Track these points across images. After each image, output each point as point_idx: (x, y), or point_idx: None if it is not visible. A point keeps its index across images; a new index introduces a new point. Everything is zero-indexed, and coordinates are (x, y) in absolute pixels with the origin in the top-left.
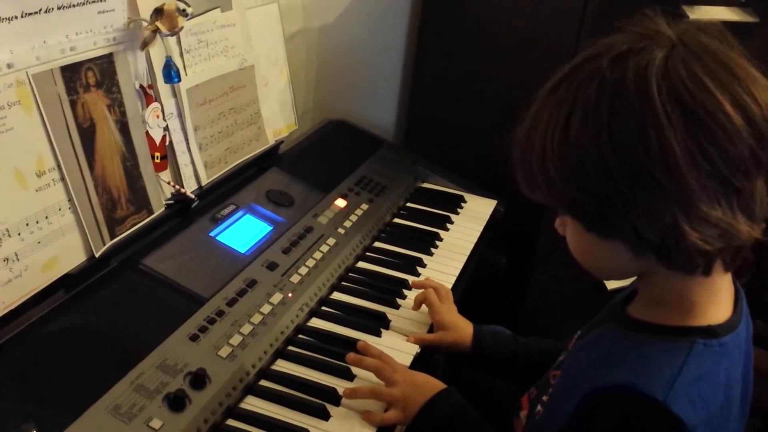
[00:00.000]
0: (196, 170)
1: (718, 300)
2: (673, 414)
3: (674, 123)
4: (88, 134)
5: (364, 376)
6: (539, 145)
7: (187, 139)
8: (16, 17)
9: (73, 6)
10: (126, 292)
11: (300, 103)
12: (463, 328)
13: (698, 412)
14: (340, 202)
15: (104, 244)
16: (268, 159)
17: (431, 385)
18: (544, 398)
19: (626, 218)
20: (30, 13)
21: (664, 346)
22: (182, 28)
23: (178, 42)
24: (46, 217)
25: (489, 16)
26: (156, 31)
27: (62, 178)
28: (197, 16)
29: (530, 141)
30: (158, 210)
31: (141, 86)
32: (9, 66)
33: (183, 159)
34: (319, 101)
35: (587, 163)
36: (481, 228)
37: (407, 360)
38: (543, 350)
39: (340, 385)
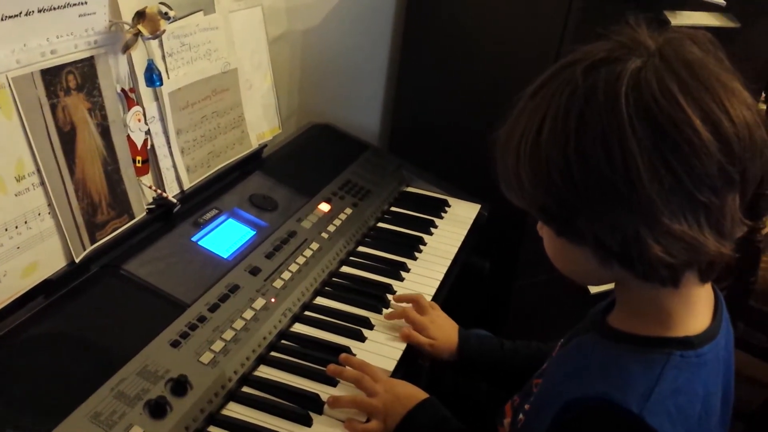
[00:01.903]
0: (178, 174)
1: (694, 310)
2: (649, 427)
3: (639, 136)
4: (68, 138)
5: (348, 382)
6: (514, 149)
7: (169, 143)
8: None
9: (54, 9)
10: (106, 298)
11: (284, 107)
12: (449, 336)
13: (675, 425)
14: (324, 207)
15: (84, 249)
16: (252, 163)
17: (412, 395)
18: (526, 406)
19: (588, 226)
20: (10, 16)
21: (641, 357)
22: (164, 31)
23: (161, 45)
24: (26, 222)
25: (473, 21)
26: (138, 34)
27: (42, 183)
28: (180, 19)
29: (507, 144)
30: (139, 215)
31: (122, 90)
32: None
33: (165, 163)
34: (303, 105)
35: (553, 170)
36: (465, 232)
37: (390, 365)
38: (529, 355)
39: (323, 391)
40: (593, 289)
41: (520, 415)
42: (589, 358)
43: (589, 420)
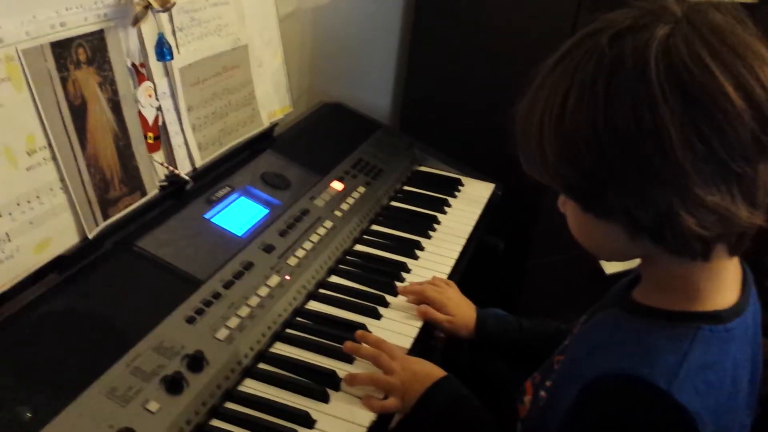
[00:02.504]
0: (189, 151)
1: (723, 284)
2: (678, 403)
3: (671, 104)
4: (79, 112)
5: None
6: (537, 123)
7: (180, 120)
8: None
9: None
10: (120, 275)
11: (294, 86)
12: (467, 314)
13: (704, 401)
14: (337, 185)
15: (97, 226)
16: (263, 141)
17: (430, 373)
18: (548, 383)
19: (619, 200)
20: None
21: (669, 332)
22: (174, 4)
23: (171, 20)
24: (38, 197)
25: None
26: (148, 6)
27: (53, 157)
28: None
29: (529, 118)
30: (152, 191)
31: (133, 64)
32: None
33: (176, 140)
34: (313, 84)
35: (581, 142)
36: (480, 211)
37: (407, 342)
38: (548, 334)
39: (339, 367)
40: (608, 269)
41: (542, 392)
42: (613, 333)
43: (614, 396)
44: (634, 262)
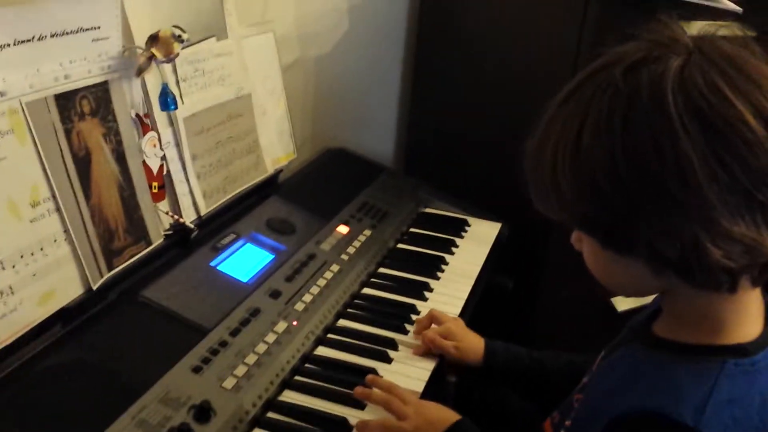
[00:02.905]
0: (194, 200)
1: (747, 316)
2: None
3: (692, 135)
4: (83, 163)
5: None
6: (550, 158)
7: (185, 169)
8: (8, 45)
9: (67, 33)
10: (125, 325)
11: (298, 134)
12: (474, 343)
13: None
14: (343, 229)
15: (102, 276)
16: (268, 188)
17: (444, 417)
18: (567, 423)
19: (643, 235)
20: (23, 41)
21: (693, 367)
22: (178, 54)
23: (174, 71)
24: (41, 249)
25: (485, 40)
26: (151, 57)
27: (57, 209)
28: (192, 44)
29: (541, 154)
30: (157, 241)
31: (137, 115)
32: (2, 94)
33: (181, 188)
34: (317, 131)
35: (600, 176)
36: (488, 251)
37: (419, 386)
38: (560, 365)
39: (351, 414)
40: (620, 306)
41: None
42: (635, 370)
43: None
44: (648, 298)
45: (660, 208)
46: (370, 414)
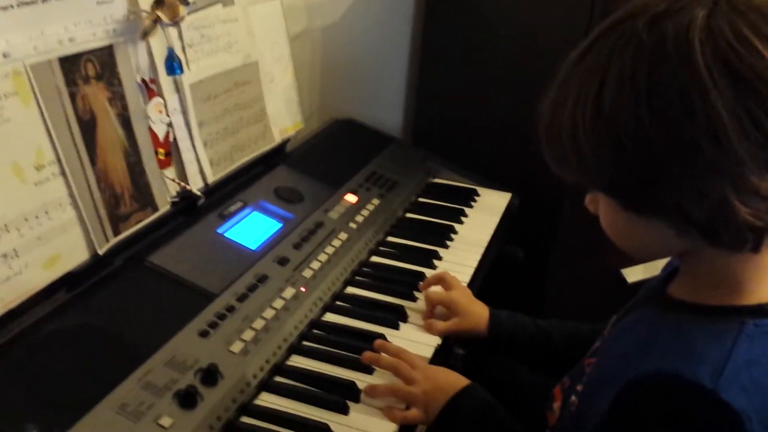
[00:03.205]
0: (201, 167)
1: (766, 277)
2: (724, 402)
3: (721, 88)
4: (88, 127)
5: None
6: (569, 119)
7: (191, 136)
8: (12, 6)
9: None
10: (132, 290)
11: (306, 105)
12: (479, 313)
13: (751, 400)
14: (351, 198)
15: (108, 242)
16: (275, 157)
17: (453, 382)
18: (579, 388)
19: (669, 195)
20: (26, 3)
21: (711, 328)
22: (183, 17)
23: (180, 36)
24: (46, 213)
25: (495, 8)
26: (157, 20)
27: (62, 172)
28: (198, 10)
29: (558, 115)
30: (163, 207)
31: (143, 80)
32: (5, 56)
33: (188, 156)
34: (324, 103)
35: (624, 136)
36: (497, 220)
37: (428, 352)
38: (566, 333)
39: (359, 378)
40: (630, 278)
41: (573, 397)
42: (651, 332)
43: (657, 398)
44: (657, 269)
45: (689, 166)
46: (378, 378)
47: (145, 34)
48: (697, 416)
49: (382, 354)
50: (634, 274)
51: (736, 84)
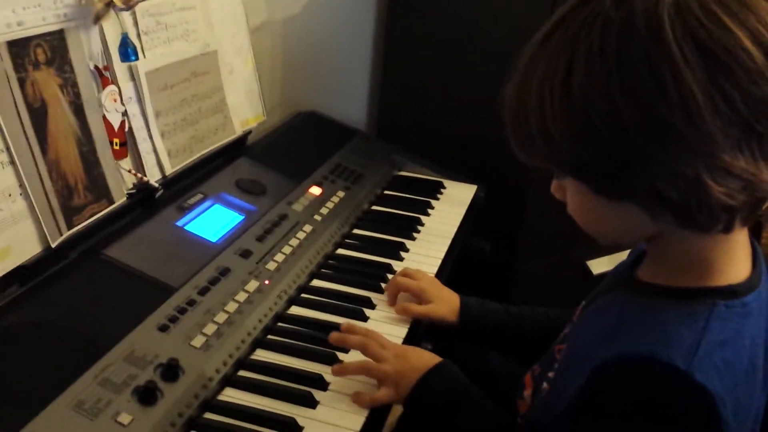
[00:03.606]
0: (159, 158)
1: (736, 258)
2: (698, 384)
3: (692, 64)
4: (39, 115)
5: (353, 359)
6: (535, 102)
7: (148, 126)
8: None
9: None
10: (87, 284)
11: (267, 99)
12: (449, 300)
13: (724, 380)
14: (315, 190)
15: (61, 234)
16: (237, 149)
17: (425, 359)
18: (550, 374)
19: (643, 177)
20: None
21: (682, 309)
22: (138, 2)
23: (135, 23)
24: None
25: (458, 0)
26: (110, 4)
27: (12, 161)
28: None
29: (523, 99)
30: (119, 199)
31: (96, 67)
32: None
33: (144, 146)
34: (287, 96)
35: (595, 117)
36: (464, 212)
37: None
38: (537, 319)
39: (327, 371)
40: (596, 269)
41: (544, 384)
42: (622, 315)
43: (630, 380)
44: (620, 258)
45: (663, 146)
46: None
47: (98, 19)
48: (671, 398)
49: (350, 334)
50: (599, 265)
51: (706, 60)
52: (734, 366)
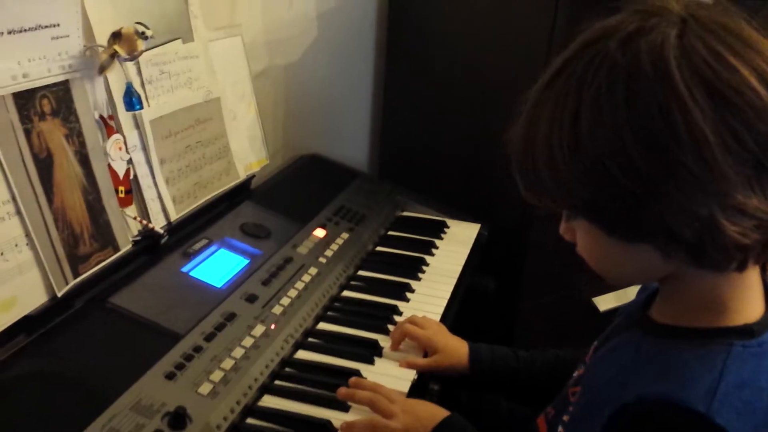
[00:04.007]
0: (164, 205)
1: (750, 296)
2: (718, 426)
3: (701, 104)
4: (45, 165)
5: (361, 406)
6: (543, 145)
7: (152, 173)
8: None
9: (25, 31)
10: (93, 333)
11: (270, 143)
12: (457, 349)
13: (744, 422)
14: (320, 232)
15: (67, 283)
16: (240, 194)
17: (433, 413)
18: (565, 418)
19: (656, 217)
20: None
21: (699, 351)
22: (142, 52)
23: (139, 72)
24: (2, 254)
25: (455, 43)
26: (114, 55)
27: (18, 212)
28: (158, 46)
29: (530, 143)
30: (125, 247)
31: (101, 117)
32: None
33: (149, 193)
34: (289, 140)
35: (607, 159)
36: (468, 251)
37: (404, 387)
38: (546, 362)
39: (334, 417)
40: (602, 306)
41: (559, 428)
42: (637, 357)
43: (650, 423)
44: (628, 296)
45: (676, 185)
46: (354, 416)
47: (103, 69)
48: None
49: (358, 390)
50: (605, 302)
51: (715, 100)
52: (754, 407)
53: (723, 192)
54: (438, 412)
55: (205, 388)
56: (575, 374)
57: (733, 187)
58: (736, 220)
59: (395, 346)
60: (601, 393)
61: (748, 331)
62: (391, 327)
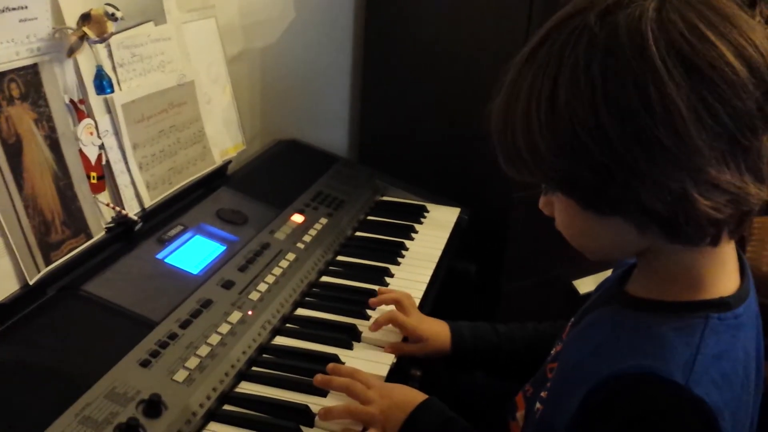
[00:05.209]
0: (137, 191)
1: (726, 270)
2: (697, 397)
3: (676, 79)
4: (14, 151)
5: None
6: (522, 116)
7: (125, 158)
8: None
9: None
10: (66, 321)
11: (247, 127)
12: (440, 333)
13: (722, 393)
14: (297, 218)
15: (39, 271)
16: (217, 180)
17: (410, 397)
18: (543, 394)
19: (630, 191)
20: None
21: (676, 324)
22: (112, 34)
23: (110, 55)
24: None
25: (434, 25)
26: (83, 37)
27: None
28: (129, 29)
29: (510, 114)
30: (98, 234)
31: (71, 101)
32: None
33: (122, 179)
34: (266, 125)
35: (581, 131)
36: (447, 235)
37: (383, 371)
38: (527, 336)
39: (313, 402)
40: (582, 289)
41: (537, 405)
42: (615, 331)
43: (629, 396)
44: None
45: (649, 159)
46: (332, 401)
47: (72, 52)
48: (670, 413)
49: (335, 376)
50: (585, 285)
51: (689, 73)
52: (731, 378)
53: (696, 167)
54: (415, 396)
55: (181, 375)
56: (553, 351)
57: (707, 161)
58: (710, 194)
59: (376, 328)
60: (578, 368)
61: (724, 304)
62: (370, 312)
